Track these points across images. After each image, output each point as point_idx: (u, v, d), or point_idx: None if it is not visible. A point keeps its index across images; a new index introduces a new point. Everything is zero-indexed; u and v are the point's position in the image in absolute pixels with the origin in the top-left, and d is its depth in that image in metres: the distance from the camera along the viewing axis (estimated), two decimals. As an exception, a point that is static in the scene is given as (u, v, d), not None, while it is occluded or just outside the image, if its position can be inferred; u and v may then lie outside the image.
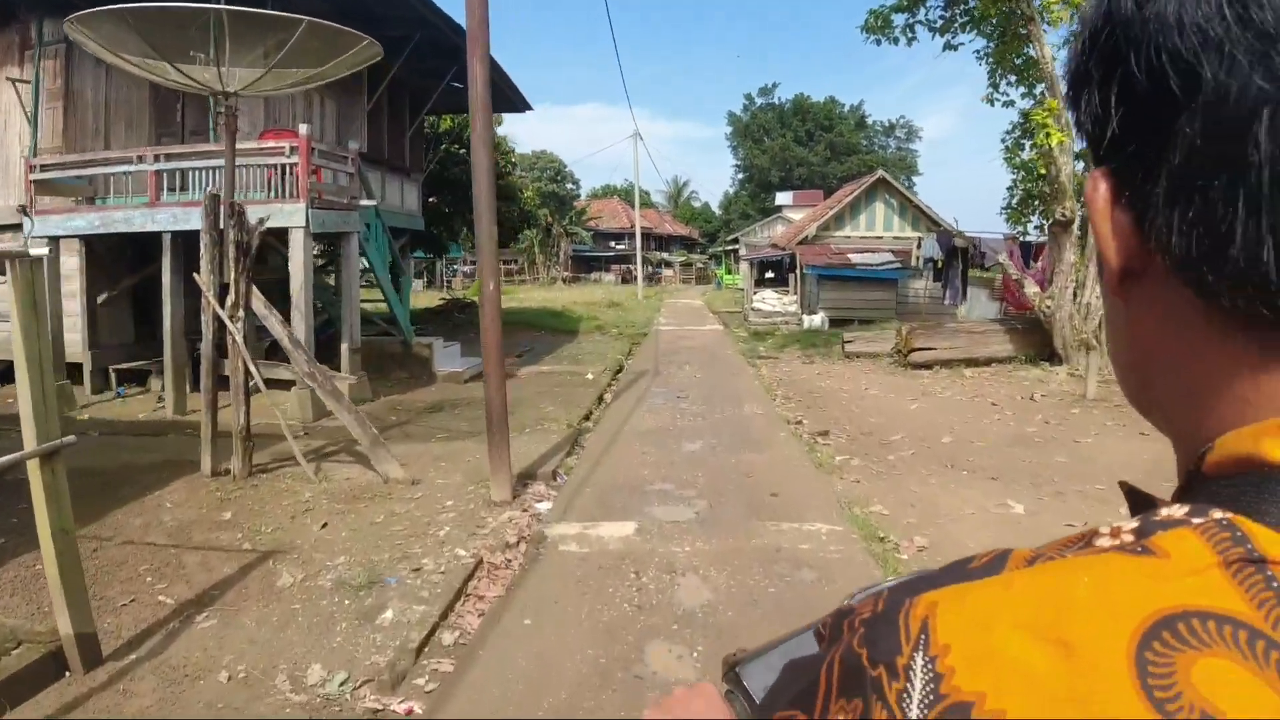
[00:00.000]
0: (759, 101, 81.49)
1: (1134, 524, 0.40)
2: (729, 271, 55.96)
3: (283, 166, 12.33)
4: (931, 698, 0.35)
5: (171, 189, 12.65)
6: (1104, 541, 0.40)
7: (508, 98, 20.57)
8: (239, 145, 12.84)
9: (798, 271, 25.37)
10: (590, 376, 15.36)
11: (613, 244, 65.34)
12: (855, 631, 0.41)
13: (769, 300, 24.86)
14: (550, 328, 24.52)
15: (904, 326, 15.90)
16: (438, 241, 23.85)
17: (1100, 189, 0.45)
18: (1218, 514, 0.38)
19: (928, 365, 15.01)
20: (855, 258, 25.34)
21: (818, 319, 24.08)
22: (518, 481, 8.03)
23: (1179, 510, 0.39)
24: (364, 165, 17.08)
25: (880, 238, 28.19)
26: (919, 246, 23.80)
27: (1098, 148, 0.45)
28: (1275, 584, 0.34)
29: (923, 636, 0.37)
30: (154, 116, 15.12)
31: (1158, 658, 0.33)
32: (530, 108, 21.61)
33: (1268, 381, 0.41)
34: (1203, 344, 0.43)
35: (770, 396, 12.94)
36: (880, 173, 28.10)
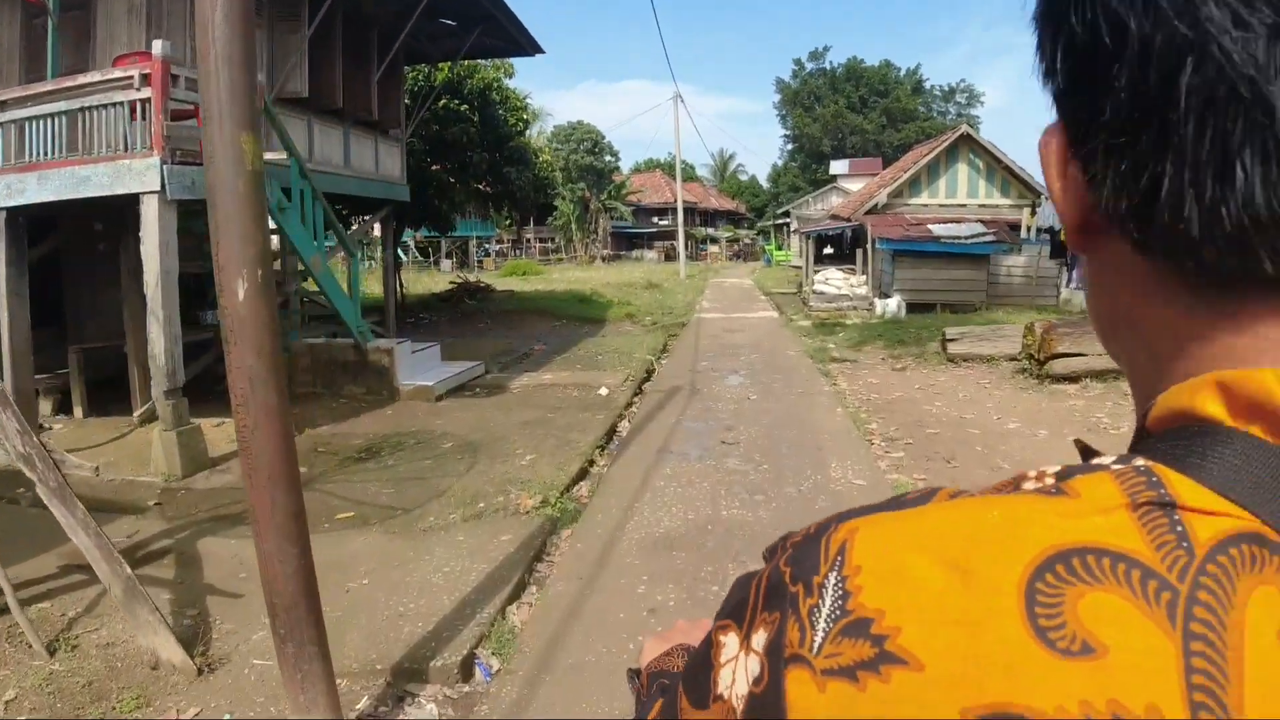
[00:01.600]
0: (809, 67, 76.11)
1: (1057, 468, 0.41)
2: (779, 247, 51.16)
3: (133, 104, 8.11)
4: (838, 613, 0.37)
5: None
6: (1028, 485, 0.41)
7: (509, 36, 16.19)
8: (81, 79, 8.74)
9: (868, 247, 20.67)
10: (604, 392, 11.05)
11: (655, 220, 60.84)
12: (785, 551, 0.43)
13: (834, 281, 20.27)
14: (574, 316, 20.23)
15: (1037, 323, 11.24)
16: (440, 215, 19.60)
17: (1052, 143, 0.45)
18: (1140, 462, 0.39)
19: (1073, 377, 10.44)
20: (938, 229, 20.58)
21: (893, 304, 19.43)
22: (388, 689, 3.79)
23: (1108, 459, 0.41)
24: (307, 114, 12.89)
25: (964, 206, 23.33)
26: (1032, 214, 18.94)
27: (1055, 102, 0.45)
28: (1179, 528, 0.35)
29: (839, 558, 0.39)
30: (25, 54, 11.06)
31: (1048, 588, 0.34)
32: (541, 50, 17.17)
33: (1206, 337, 0.41)
34: (1150, 300, 0.43)
35: (864, 436, 8.45)
36: (965, 128, 23.18)
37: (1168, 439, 0.40)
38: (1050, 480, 0.41)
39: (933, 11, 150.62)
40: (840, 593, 0.38)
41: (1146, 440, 0.42)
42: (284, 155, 9.90)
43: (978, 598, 0.35)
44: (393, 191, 15.65)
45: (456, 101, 18.46)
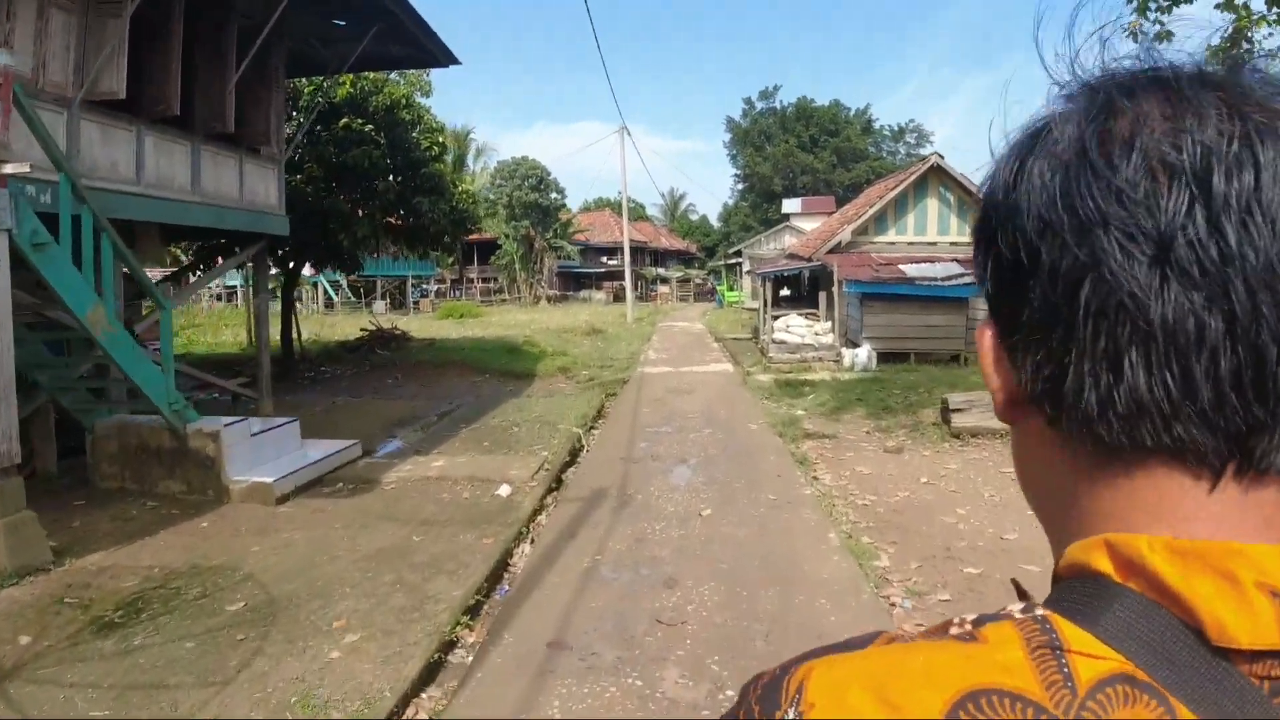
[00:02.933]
0: (759, 106, 74.39)
1: (974, 616, 0.48)
2: (731, 288, 48.63)
3: None
4: None
5: None
6: (953, 630, 0.48)
7: (416, 41, 13.29)
8: None
9: (833, 290, 17.93)
10: (504, 493, 8.02)
11: (605, 259, 58.09)
12: (754, 691, 0.50)
13: (795, 329, 17.49)
14: (500, 370, 17.14)
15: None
16: (340, 252, 16.43)
17: (986, 336, 0.54)
18: (1040, 611, 0.46)
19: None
20: (910, 269, 17.98)
21: (863, 354, 16.70)
22: None
23: (1016, 607, 0.47)
24: (136, 123, 9.85)
25: (935, 244, 20.79)
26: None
27: (988, 302, 0.53)
28: (1065, 669, 0.42)
29: (797, 695, 0.46)
30: None
31: None
32: (456, 61, 14.27)
33: (1104, 498, 0.48)
34: (1060, 466, 0.51)
35: (877, 590, 5.48)
36: (935, 158, 20.66)
37: (1067, 589, 0.47)
38: (968, 627, 0.47)
39: (880, 53, 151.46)
40: None
41: (1057, 587, 0.49)
42: (22, 168, 6.73)
43: None
44: (264, 223, 12.51)
45: (360, 121, 15.41)
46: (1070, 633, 0.43)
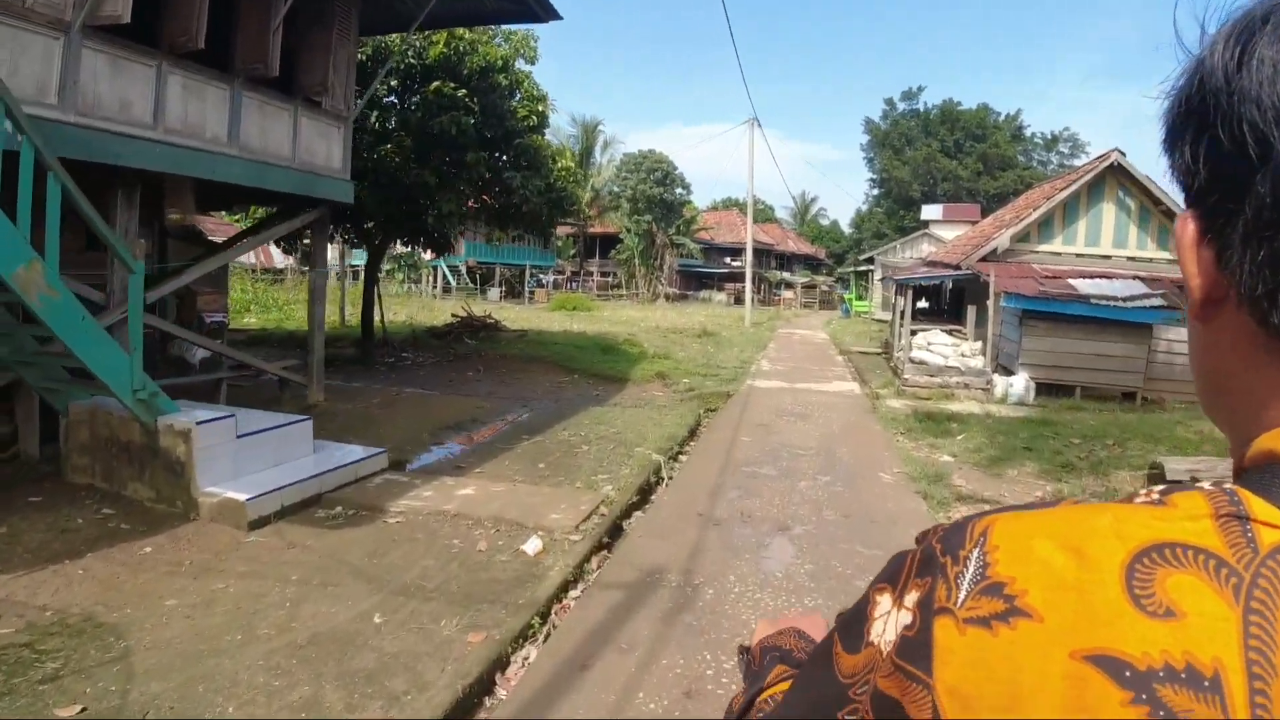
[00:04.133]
0: (901, 107, 70.04)
1: (1163, 487, 0.50)
2: (859, 297, 45.23)
3: None
4: (978, 578, 0.46)
5: None
6: (1139, 499, 0.49)
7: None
8: None
9: (988, 303, 14.87)
10: (533, 549, 5.79)
11: (728, 260, 55.45)
12: (935, 534, 0.52)
13: (938, 347, 14.56)
14: (590, 371, 14.99)
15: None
16: (426, 232, 14.60)
17: (1188, 229, 0.52)
18: (1227, 485, 0.48)
19: None
20: (1084, 285, 14.81)
21: (1018, 383, 13.69)
22: None
23: (1206, 483, 0.49)
24: (156, 57, 8.11)
25: (1108, 257, 17.39)
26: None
27: (1187, 193, 0.52)
28: (1249, 534, 0.44)
29: (981, 538, 0.48)
30: None
31: (1144, 569, 0.43)
32: (557, 16, 12.14)
33: None
34: (1259, 364, 0.51)
35: None
36: (1115, 155, 17.21)
37: (1255, 472, 0.49)
38: (1155, 495, 0.49)
39: (1029, 60, 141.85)
40: (981, 564, 0.47)
41: (1243, 475, 0.51)
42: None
43: (1088, 572, 0.44)
44: (321, 187, 10.71)
45: (452, 85, 13.51)
46: (1257, 505, 0.45)
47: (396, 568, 5.45)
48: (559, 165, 14.61)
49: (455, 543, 5.96)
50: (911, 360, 14.11)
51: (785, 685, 0.75)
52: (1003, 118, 68.42)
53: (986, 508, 0.61)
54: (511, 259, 44.76)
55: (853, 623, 0.56)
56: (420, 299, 36.47)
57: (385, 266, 42.45)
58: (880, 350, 21.71)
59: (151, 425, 6.89)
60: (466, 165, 13.60)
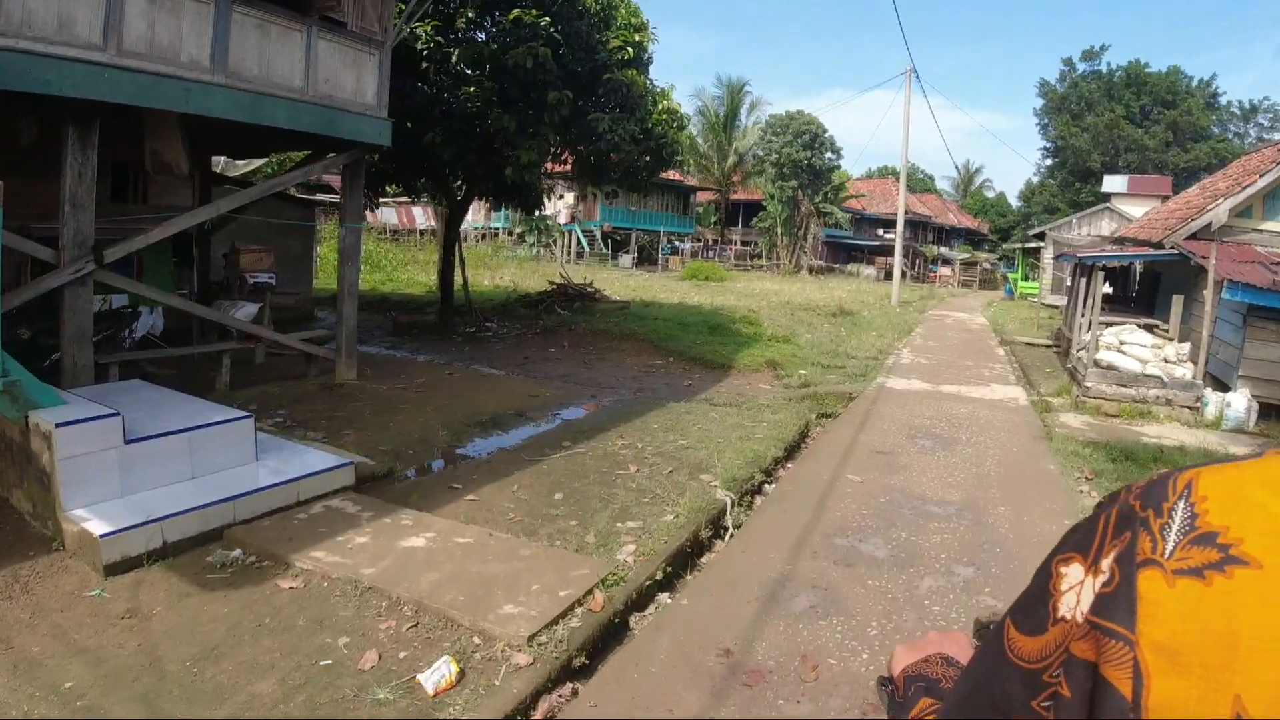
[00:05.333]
0: (1081, 68, 62.44)
1: None
2: (1026, 277, 40.24)
3: None
4: (1187, 529, 0.44)
5: None
6: None
7: None
8: None
9: (1205, 293, 11.19)
10: (433, 684, 3.33)
11: (880, 232, 51.15)
12: (1131, 492, 0.49)
13: (1133, 348, 11.02)
14: (688, 353, 12.46)
15: None
16: (507, 186, 12.37)
17: None
18: None
19: None
20: (1344, 274, 10.96)
21: (1240, 402, 10.14)
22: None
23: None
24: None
25: (1364, 241, 13.20)
26: None
27: None
28: None
29: (1187, 490, 0.46)
30: None
31: None
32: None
33: None
34: None
35: None
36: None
37: None
38: None
39: (1227, 21, 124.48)
40: (1189, 514, 0.44)
41: None
42: None
43: None
44: (344, 125, 8.65)
45: (534, 12, 11.13)
46: None
47: (222, 689, 3.22)
48: (660, 107, 11.97)
49: (341, 643, 3.67)
50: (1097, 364, 10.71)
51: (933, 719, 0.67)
52: (1195, 83, 59.88)
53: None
54: (648, 225, 42.42)
55: (1033, 604, 0.51)
56: (546, 264, 34.78)
57: (517, 229, 41.13)
58: (1051, 342, 17.99)
59: (20, 422, 4.95)
60: (548, 106, 11.22)
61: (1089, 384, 10.61)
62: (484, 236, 44.18)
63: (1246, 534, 0.42)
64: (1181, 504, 0.45)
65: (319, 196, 30.88)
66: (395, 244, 31.80)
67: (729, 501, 5.82)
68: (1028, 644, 0.51)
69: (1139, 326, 11.61)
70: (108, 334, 8.44)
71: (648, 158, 12.41)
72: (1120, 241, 18.95)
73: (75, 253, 6.91)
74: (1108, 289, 18.10)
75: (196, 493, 5.19)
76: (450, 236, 14.42)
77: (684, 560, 5.01)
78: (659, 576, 4.58)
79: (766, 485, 6.78)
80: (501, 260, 32.34)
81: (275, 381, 9.36)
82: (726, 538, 5.54)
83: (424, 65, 12.65)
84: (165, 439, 5.36)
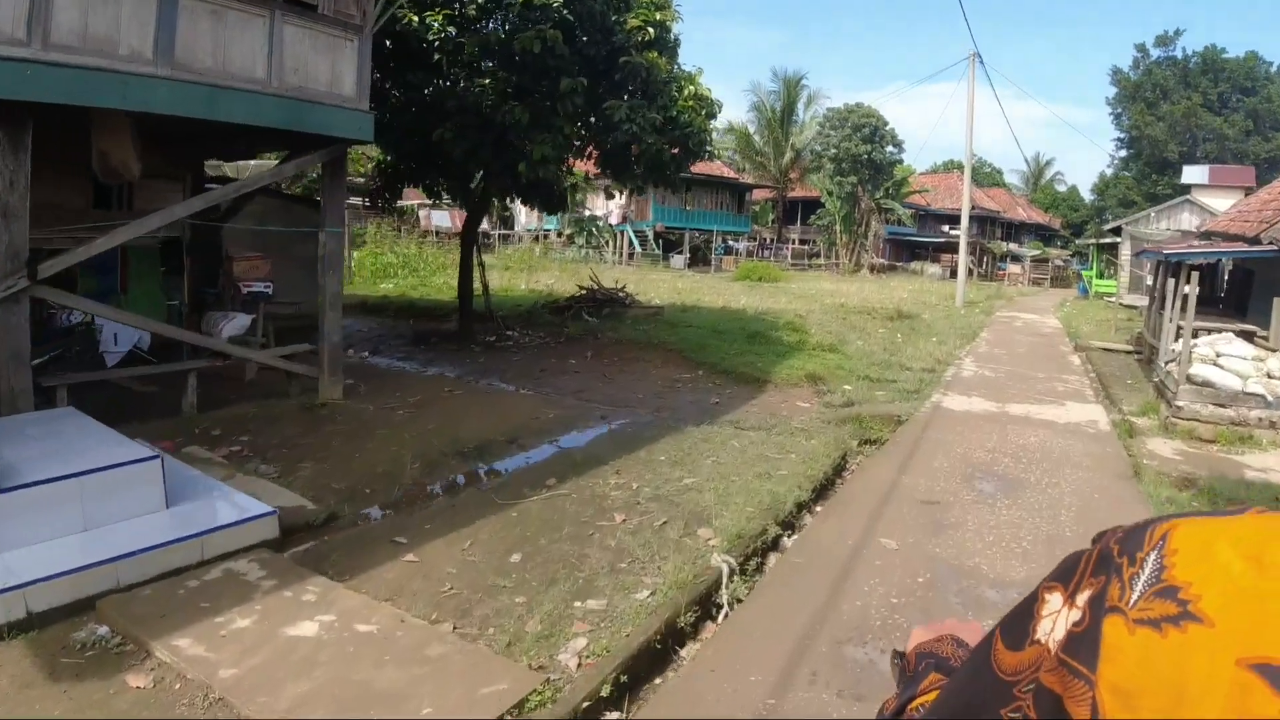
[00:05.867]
0: (1155, 54, 58.79)
1: None
2: (1101, 275, 37.84)
3: None
4: (1153, 580, 0.45)
5: None
6: None
7: None
8: None
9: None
10: None
11: (946, 228, 48.84)
12: (1114, 535, 0.50)
13: (1234, 360, 9.40)
14: (721, 365, 11.27)
15: None
16: (524, 184, 11.33)
17: None
18: None
19: None
20: None
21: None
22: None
23: None
24: None
25: None
26: None
27: None
28: None
29: (1161, 542, 0.46)
30: None
31: None
32: None
33: None
34: None
35: None
36: None
37: None
38: None
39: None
40: (1158, 566, 0.45)
41: None
42: None
43: (1267, 581, 0.41)
44: (316, 118, 7.70)
45: (548, -7, 10.05)
46: None
47: None
48: (686, 93, 10.73)
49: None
50: (1191, 380, 9.15)
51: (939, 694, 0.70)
52: (1275, 68, 56.00)
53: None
54: (702, 224, 41.07)
55: (1018, 620, 0.55)
56: (593, 266, 33.81)
57: (566, 230, 40.23)
58: (1131, 348, 16.22)
59: None
60: (560, 95, 10.14)
61: (1180, 403, 9.05)
62: (537, 239, 43.45)
63: (1205, 591, 0.43)
64: (1154, 555, 0.46)
65: (351, 199, 30.46)
66: (440, 249, 31.17)
67: (726, 569, 4.62)
68: (1008, 657, 0.53)
69: (1236, 335, 9.96)
70: (56, 354, 7.62)
71: (674, 149, 11.20)
72: (1207, 236, 17.05)
73: (7, 267, 6.07)
74: (1188, 287, 16.26)
75: (80, 550, 4.27)
76: (468, 239, 13.43)
77: (651, 660, 3.84)
78: (606, 692, 3.41)
79: (785, 538, 5.55)
80: (547, 263, 31.42)
81: (255, 401, 8.47)
82: (720, 617, 4.35)
83: (436, 58, 11.72)
84: (51, 486, 4.44)
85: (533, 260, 31.40)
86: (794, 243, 46.67)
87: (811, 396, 10.07)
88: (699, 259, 40.22)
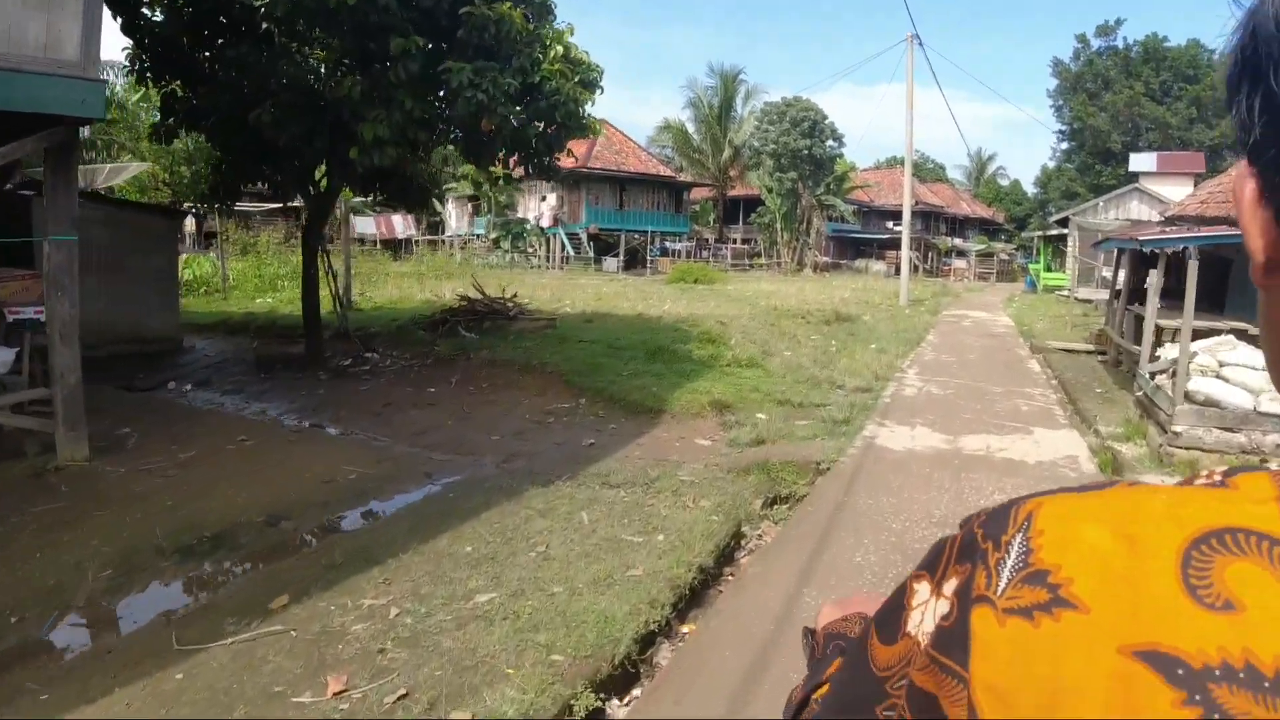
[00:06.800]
0: (1096, 44, 58.26)
1: (1225, 467, 0.45)
2: (1049, 267, 36.47)
3: None
4: (1020, 566, 0.42)
5: None
6: (1200, 480, 0.45)
7: None
8: None
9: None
10: None
11: (890, 225, 47.21)
12: (977, 519, 0.47)
13: (1239, 370, 7.46)
14: (610, 390, 9.06)
15: None
16: (354, 171, 9.05)
17: (1248, 187, 0.46)
18: None
19: None
20: None
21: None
22: None
23: (1275, 464, 0.51)
24: None
25: None
26: None
27: (1245, 149, 0.46)
28: None
29: (1025, 523, 0.43)
30: None
31: (1202, 558, 0.38)
32: None
33: None
34: None
35: None
36: None
37: None
38: (1218, 477, 0.44)
39: None
40: (1024, 550, 0.42)
41: None
42: None
43: (1141, 560, 0.39)
44: (21, 92, 5.34)
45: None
46: None
47: None
48: (552, 55, 8.44)
49: None
50: (1190, 397, 7.15)
51: None
52: (1217, 56, 55.66)
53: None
54: (638, 225, 38.86)
55: (890, 613, 0.52)
56: (521, 272, 31.42)
57: (493, 234, 37.73)
58: (1093, 347, 14.40)
59: None
60: (393, 61, 7.88)
61: (1178, 428, 7.04)
62: (465, 244, 40.91)
63: (1076, 575, 0.40)
64: (1019, 537, 0.43)
65: (248, 206, 27.67)
66: (365, 257, 28.58)
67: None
68: (882, 651, 0.50)
69: (1242, 339, 7.99)
70: None
71: (540, 124, 8.95)
72: (1172, 222, 15.29)
73: None
74: (1153, 277, 14.43)
75: None
76: (311, 244, 11.03)
77: None
78: None
79: (609, 706, 3.36)
80: (467, 269, 28.99)
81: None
82: None
83: (264, 27, 9.43)
84: None
85: (451, 267, 28.88)
86: (735, 242, 44.72)
87: (716, 430, 7.89)
88: (637, 261, 38.05)
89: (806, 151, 37.24)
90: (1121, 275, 14.74)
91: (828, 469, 6.50)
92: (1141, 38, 57.14)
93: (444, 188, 43.95)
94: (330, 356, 11.14)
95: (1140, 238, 9.87)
